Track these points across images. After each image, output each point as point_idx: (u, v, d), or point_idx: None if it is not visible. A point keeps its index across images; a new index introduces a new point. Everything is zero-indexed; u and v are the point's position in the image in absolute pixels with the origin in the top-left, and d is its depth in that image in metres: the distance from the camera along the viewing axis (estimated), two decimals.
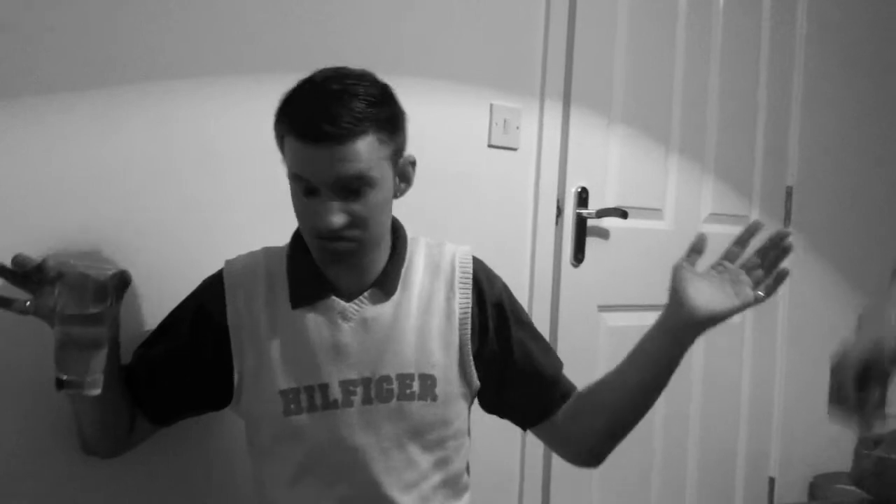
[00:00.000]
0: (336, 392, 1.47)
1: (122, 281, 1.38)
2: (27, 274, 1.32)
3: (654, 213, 2.56)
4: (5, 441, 1.54)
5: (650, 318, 2.55)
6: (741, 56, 2.74)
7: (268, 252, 1.56)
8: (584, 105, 2.36)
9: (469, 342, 1.53)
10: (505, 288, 1.61)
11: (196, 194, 1.72)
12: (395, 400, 1.48)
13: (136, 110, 1.65)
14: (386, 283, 1.51)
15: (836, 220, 3.04)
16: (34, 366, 1.47)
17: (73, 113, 1.58)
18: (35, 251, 1.48)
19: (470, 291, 1.54)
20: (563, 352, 2.32)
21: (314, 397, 1.47)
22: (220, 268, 1.55)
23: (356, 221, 1.40)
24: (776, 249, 1.48)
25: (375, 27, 1.96)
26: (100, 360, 1.30)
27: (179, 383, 1.53)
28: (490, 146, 2.19)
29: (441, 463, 1.53)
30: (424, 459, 1.51)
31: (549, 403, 1.58)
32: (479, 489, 1.66)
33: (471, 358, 1.53)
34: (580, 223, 2.37)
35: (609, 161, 2.44)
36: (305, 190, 1.39)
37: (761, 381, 2.89)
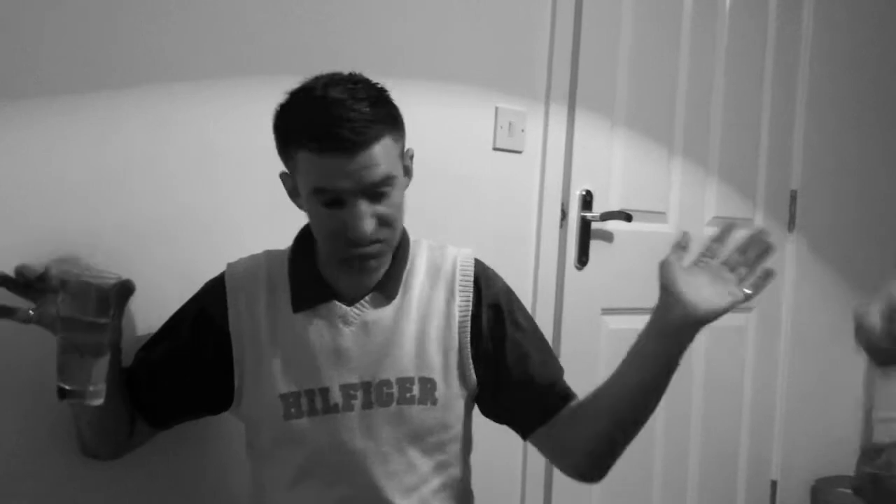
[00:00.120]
0: (337, 396, 1.47)
1: (124, 289, 1.37)
2: (29, 283, 1.32)
3: (658, 216, 2.56)
4: (5, 441, 1.54)
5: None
6: (745, 59, 2.73)
7: (269, 255, 1.56)
8: (588, 108, 2.35)
9: (468, 345, 1.52)
10: (505, 290, 1.59)
11: (196, 196, 1.72)
12: (394, 404, 1.48)
13: (135, 112, 1.64)
14: (387, 287, 1.50)
15: (840, 223, 3.03)
16: (34, 366, 1.47)
17: (73, 114, 1.58)
18: (35, 252, 1.48)
19: (470, 294, 1.53)
20: (566, 355, 2.34)
21: (315, 401, 1.47)
22: (221, 271, 1.55)
23: (384, 223, 1.40)
24: (757, 247, 1.45)
25: (378, 29, 1.95)
26: (102, 368, 1.30)
27: (180, 386, 1.53)
28: (495, 149, 2.19)
29: (441, 467, 1.53)
30: (424, 463, 1.51)
31: (545, 408, 1.55)
32: (482, 493, 1.66)
33: (470, 361, 1.52)
34: (584, 226, 2.37)
35: (613, 164, 2.44)
36: (330, 202, 1.38)
37: (763, 384, 2.89)
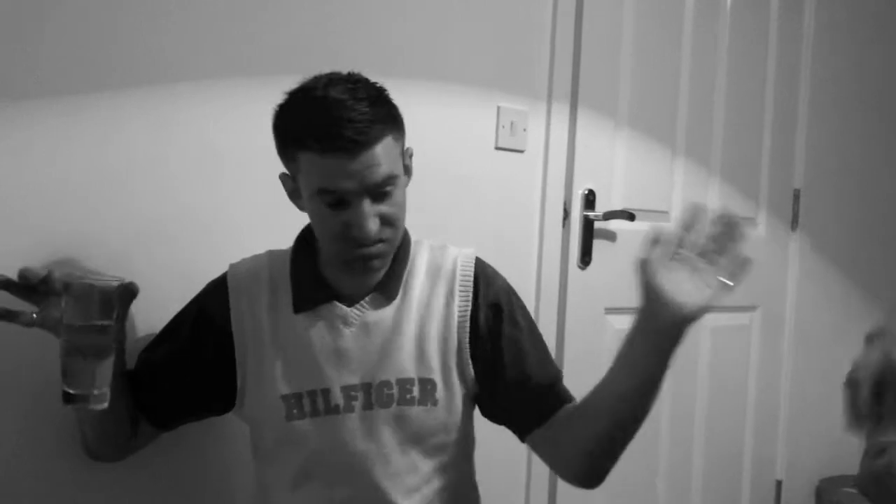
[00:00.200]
0: (338, 397, 1.47)
1: (128, 292, 1.38)
2: (32, 286, 1.32)
3: (661, 215, 2.55)
4: (7, 442, 1.54)
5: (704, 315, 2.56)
6: (747, 58, 2.73)
7: (272, 256, 1.56)
8: (590, 107, 2.35)
9: (467, 346, 1.51)
10: (506, 289, 1.57)
11: (197, 196, 1.72)
12: (395, 405, 1.48)
13: (137, 112, 1.64)
14: (387, 288, 1.50)
15: (843, 222, 3.03)
16: (36, 369, 1.47)
17: (74, 115, 1.58)
18: (37, 253, 1.48)
19: (469, 295, 1.52)
20: (569, 354, 2.33)
21: (316, 402, 1.47)
22: (223, 271, 1.56)
23: (387, 222, 1.40)
24: (727, 232, 1.35)
25: (379, 29, 1.95)
26: (106, 370, 1.30)
27: (182, 387, 1.53)
28: (497, 148, 2.19)
29: (443, 467, 1.53)
30: (426, 464, 1.51)
31: (540, 410, 1.52)
32: (487, 492, 1.65)
33: (469, 362, 1.51)
34: (587, 225, 2.36)
35: (616, 163, 2.44)
36: (333, 202, 1.38)
37: (767, 383, 2.89)
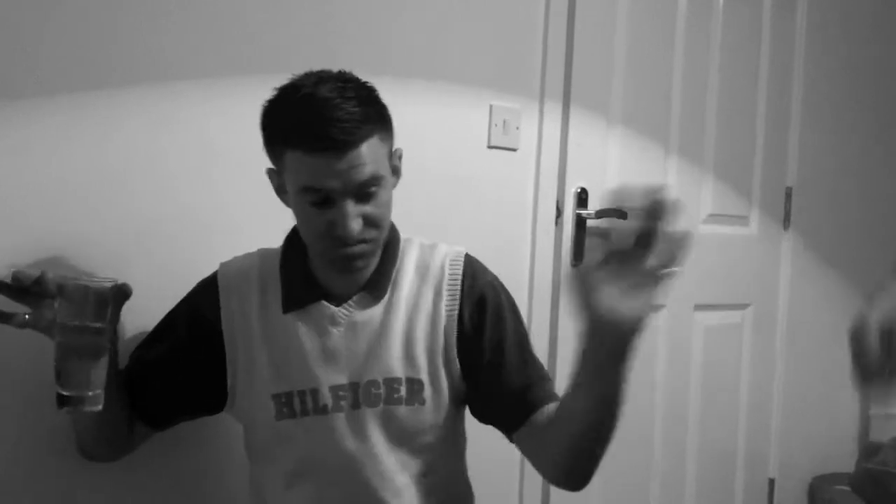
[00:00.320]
0: (326, 397, 1.47)
1: (121, 293, 1.36)
2: (26, 288, 1.32)
3: None
4: (2, 443, 1.54)
5: (649, 320, 2.56)
6: (740, 56, 2.74)
7: (262, 254, 1.56)
8: (583, 106, 2.36)
9: (454, 346, 1.50)
10: (493, 285, 1.55)
11: (196, 195, 1.72)
12: (382, 405, 1.48)
13: (136, 111, 1.65)
14: (376, 287, 1.50)
15: (835, 220, 3.04)
16: (31, 368, 1.46)
17: (73, 114, 1.58)
18: (35, 252, 1.48)
19: (457, 293, 1.52)
20: (563, 353, 2.34)
21: (305, 402, 1.48)
22: (214, 270, 1.56)
23: (371, 222, 1.40)
24: (655, 217, 1.11)
25: (375, 28, 1.96)
26: (100, 372, 1.29)
27: (175, 386, 1.52)
28: (490, 147, 2.19)
29: (433, 466, 1.52)
30: (416, 463, 1.50)
31: (521, 409, 1.47)
32: (480, 490, 1.66)
33: (456, 361, 1.51)
34: (580, 224, 2.36)
35: (608, 162, 2.44)
36: (317, 201, 1.37)
37: (760, 382, 2.89)
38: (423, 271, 1.53)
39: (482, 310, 1.52)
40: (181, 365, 1.52)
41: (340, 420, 1.47)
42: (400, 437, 1.49)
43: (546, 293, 2.33)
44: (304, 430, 1.48)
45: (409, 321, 1.50)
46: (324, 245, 1.42)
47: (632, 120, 2.47)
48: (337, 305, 1.49)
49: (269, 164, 1.45)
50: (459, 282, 1.52)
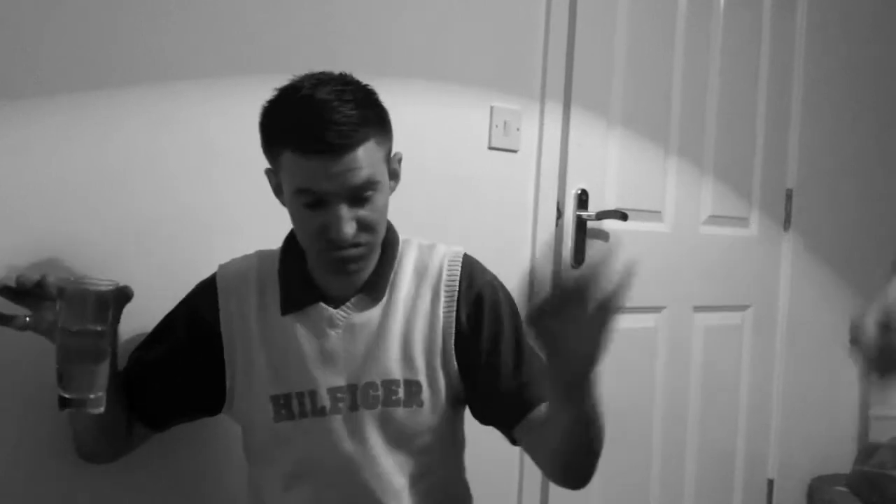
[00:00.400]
0: (324, 399, 1.47)
1: (122, 295, 1.36)
2: (27, 291, 1.32)
3: (654, 215, 2.56)
4: (2, 444, 1.55)
5: (649, 321, 2.58)
6: (740, 57, 2.74)
7: (261, 256, 1.56)
8: (584, 107, 2.36)
9: (452, 347, 1.50)
10: (491, 283, 1.54)
11: (196, 196, 1.72)
12: (380, 406, 1.47)
13: (136, 111, 1.65)
14: (374, 288, 1.49)
15: (835, 222, 3.04)
16: (31, 369, 1.47)
17: (73, 114, 1.58)
18: (35, 251, 1.49)
19: (455, 294, 1.51)
20: None
21: (304, 404, 1.47)
22: (213, 272, 1.56)
23: (365, 226, 1.39)
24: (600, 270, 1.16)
25: (376, 28, 1.96)
26: (102, 374, 1.29)
27: (174, 387, 1.52)
28: (490, 148, 2.19)
29: (431, 468, 1.52)
30: (414, 465, 1.50)
31: (518, 408, 1.48)
32: (479, 491, 1.66)
33: (454, 362, 1.50)
34: (580, 225, 2.36)
35: (609, 163, 2.44)
36: (312, 203, 1.37)
37: (760, 383, 2.89)
38: (421, 272, 1.53)
39: (479, 309, 1.51)
40: (180, 366, 1.52)
41: (338, 422, 1.47)
42: (398, 438, 1.48)
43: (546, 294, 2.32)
44: (303, 431, 1.48)
45: (406, 323, 1.49)
46: (318, 247, 1.42)
47: (632, 121, 2.47)
48: (335, 307, 1.49)
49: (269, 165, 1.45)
50: (457, 282, 1.52)
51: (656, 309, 2.59)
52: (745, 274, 2.83)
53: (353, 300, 1.49)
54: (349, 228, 1.36)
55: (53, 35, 1.56)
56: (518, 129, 2.23)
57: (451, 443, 1.57)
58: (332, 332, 1.48)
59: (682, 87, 2.59)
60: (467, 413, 1.58)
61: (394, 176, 1.47)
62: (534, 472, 2.31)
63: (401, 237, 1.55)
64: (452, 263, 1.53)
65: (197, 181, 1.72)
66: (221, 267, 1.56)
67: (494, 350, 1.50)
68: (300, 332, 1.48)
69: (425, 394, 1.49)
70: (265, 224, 1.60)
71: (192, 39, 1.71)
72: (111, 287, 1.30)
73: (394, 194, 1.48)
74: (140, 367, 1.54)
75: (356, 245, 1.40)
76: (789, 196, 2.91)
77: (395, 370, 1.48)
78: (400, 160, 1.49)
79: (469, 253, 1.57)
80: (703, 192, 2.67)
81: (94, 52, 1.60)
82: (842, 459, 2.98)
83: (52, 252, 1.55)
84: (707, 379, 2.72)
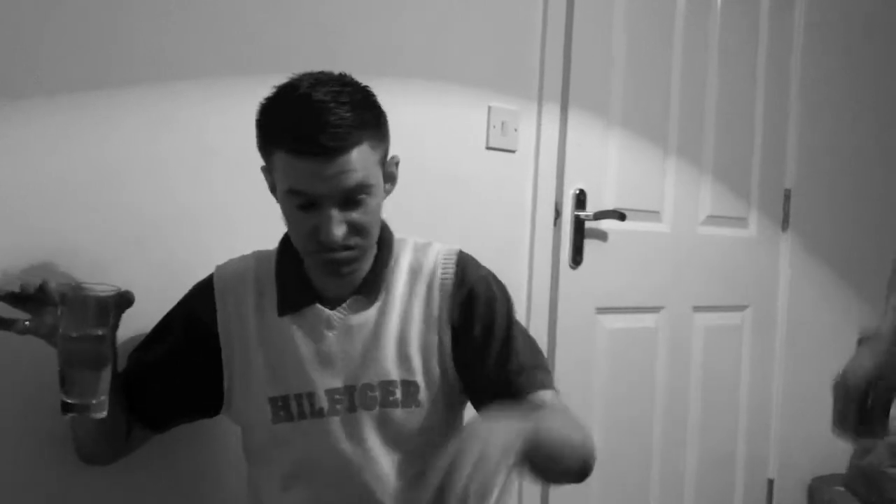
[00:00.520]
0: (322, 401, 1.47)
1: (123, 300, 1.35)
2: (28, 296, 1.32)
3: (652, 215, 2.56)
4: (2, 446, 1.55)
5: (648, 321, 2.59)
6: (738, 57, 2.74)
7: (258, 257, 1.56)
8: (581, 107, 2.36)
9: (448, 344, 1.49)
10: (485, 279, 1.53)
11: (195, 196, 1.72)
12: (378, 408, 1.47)
13: (135, 111, 1.65)
14: (369, 289, 1.49)
15: (834, 222, 3.04)
16: (30, 369, 1.47)
17: (73, 113, 1.58)
18: (34, 251, 1.49)
19: (448, 291, 1.50)
20: (561, 354, 2.34)
21: (303, 405, 1.47)
22: (210, 272, 1.55)
23: (357, 230, 1.38)
24: None
25: (374, 29, 1.96)
26: (104, 379, 1.29)
27: (173, 389, 1.52)
28: (488, 148, 2.19)
29: (429, 469, 1.51)
30: (412, 466, 1.49)
31: (512, 394, 1.45)
32: None
33: (451, 361, 1.50)
34: (578, 225, 2.37)
35: (607, 163, 2.44)
36: (303, 204, 1.37)
37: (759, 383, 2.90)
38: (416, 272, 1.52)
39: (471, 304, 1.50)
40: (178, 368, 1.52)
41: (336, 423, 1.47)
42: (396, 439, 1.48)
43: (544, 295, 2.33)
44: (301, 433, 1.48)
45: (402, 323, 1.49)
46: (309, 248, 1.41)
47: (630, 121, 2.48)
48: (331, 308, 1.48)
49: None
50: (451, 280, 1.51)
51: (655, 309, 2.60)
52: (744, 274, 2.83)
53: (349, 301, 1.48)
54: (339, 231, 1.36)
55: (53, 35, 1.56)
56: (516, 130, 2.23)
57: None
58: (329, 334, 1.48)
59: (681, 87, 2.59)
60: (466, 412, 1.58)
61: (390, 179, 1.47)
62: None
63: (396, 236, 1.55)
64: (447, 261, 1.52)
65: (196, 181, 1.72)
66: (219, 268, 1.55)
67: (486, 343, 1.49)
68: (297, 333, 1.48)
69: (423, 394, 1.48)
70: (264, 224, 1.60)
71: (192, 39, 1.71)
72: (112, 292, 1.30)
73: (391, 194, 1.48)
74: (139, 369, 1.53)
75: (348, 248, 1.39)
76: (788, 196, 2.91)
77: (392, 371, 1.47)
78: (397, 163, 1.48)
79: (465, 251, 1.56)
80: (701, 192, 2.68)
81: (94, 51, 1.60)
82: (842, 459, 2.96)
83: (51, 251, 1.55)
84: (707, 379, 2.72)
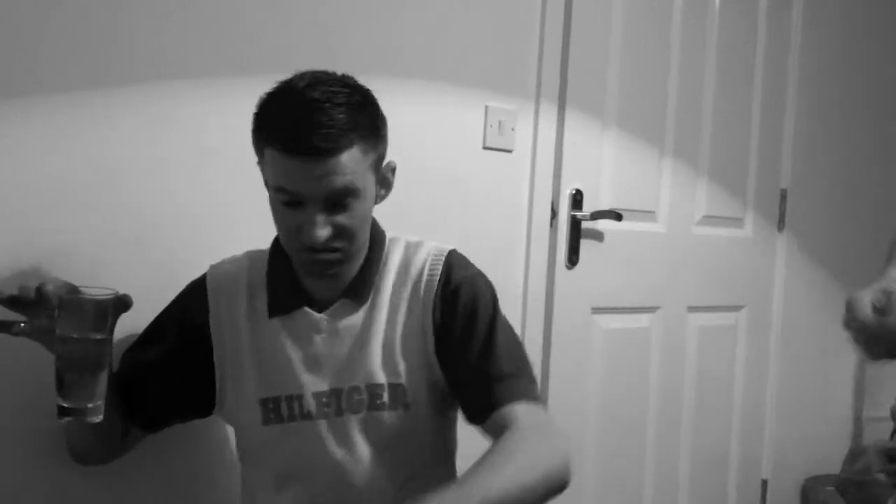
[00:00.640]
0: (310, 404, 1.46)
1: (121, 304, 1.34)
2: (26, 300, 1.31)
3: (648, 215, 2.56)
4: None
5: (644, 321, 2.59)
6: (735, 57, 2.74)
7: (252, 257, 1.55)
8: (578, 107, 2.36)
9: (433, 346, 1.47)
10: (471, 280, 1.50)
11: (195, 195, 1.72)
12: (365, 411, 1.46)
13: (135, 110, 1.65)
14: (358, 292, 1.48)
15: (830, 222, 3.04)
16: (29, 371, 1.46)
17: (72, 113, 1.58)
18: (32, 250, 1.48)
19: (433, 292, 1.48)
20: (556, 354, 2.34)
21: (293, 407, 1.47)
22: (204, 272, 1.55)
23: (341, 233, 1.37)
24: None
25: (373, 29, 1.96)
26: (101, 383, 1.28)
27: (167, 389, 1.52)
28: (485, 148, 2.19)
29: (420, 472, 1.50)
30: (401, 469, 1.49)
31: (488, 401, 1.42)
32: None
33: (437, 363, 1.48)
34: (574, 225, 2.37)
35: (603, 163, 2.45)
36: (289, 202, 1.36)
37: (754, 383, 2.90)
38: (404, 272, 1.51)
39: (454, 304, 1.47)
40: (172, 368, 1.51)
41: (324, 426, 1.46)
42: (385, 442, 1.47)
43: (540, 295, 2.33)
44: (292, 434, 1.47)
45: (390, 325, 1.48)
46: (292, 245, 1.41)
47: (627, 121, 2.48)
48: (320, 311, 1.48)
49: None
50: (437, 280, 1.48)
51: (650, 309, 2.60)
52: (740, 274, 2.83)
53: (337, 304, 1.48)
54: (322, 233, 1.35)
55: (53, 35, 1.55)
56: (513, 129, 2.23)
57: (440, 446, 1.56)
58: (317, 338, 1.47)
59: (677, 88, 2.59)
60: (459, 416, 1.57)
61: (384, 185, 1.46)
62: None
63: (389, 235, 1.54)
64: (434, 262, 1.50)
65: (196, 181, 1.72)
66: (212, 268, 1.55)
67: (466, 341, 1.46)
68: (286, 336, 1.48)
69: (410, 397, 1.47)
70: (263, 224, 1.60)
71: (192, 39, 1.71)
72: (110, 296, 1.29)
73: (390, 193, 1.48)
74: (132, 369, 1.52)
75: (332, 250, 1.38)
76: (784, 196, 2.91)
77: (379, 374, 1.47)
78: (393, 170, 1.47)
79: (458, 250, 1.54)
80: (697, 192, 2.68)
81: (94, 51, 1.60)
82: (836, 460, 2.97)
83: (50, 251, 1.54)
84: (701, 379, 2.72)
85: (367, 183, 1.39)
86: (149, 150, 1.66)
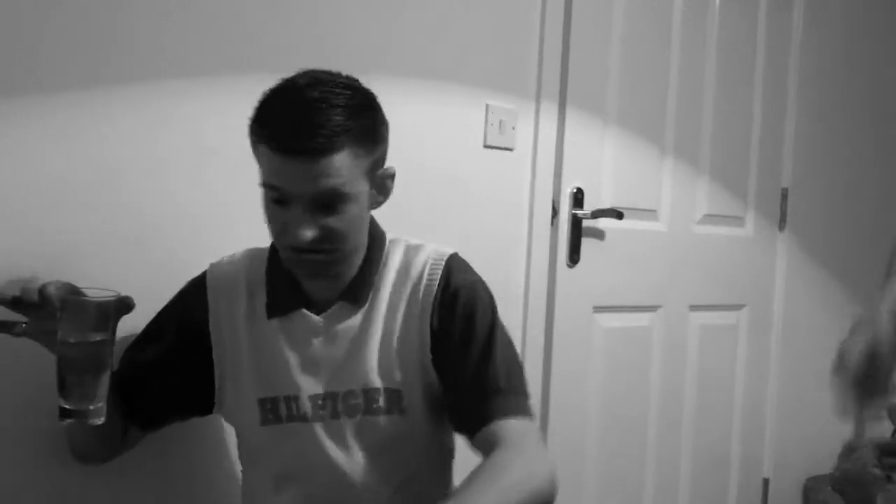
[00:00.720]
0: (306, 406, 1.46)
1: (123, 306, 1.33)
2: (28, 302, 1.30)
3: (650, 213, 2.56)
4: None
5: (645, 320, 2.59)
6: (736, 56, 2.74)
7: (251, 256, 1.55)
8: (579, 106, 2.36)
9: (429, 352, 1.47)
10: (470, 285, 1.49)
11: (194, 194, 1.72)
12: (361, 415, 1.46)
13: (135, 109, 1.64)
14: (356, 294, 1.47)
15: (831, 221, 3.04)
16: (29, 370, 1.46)
17: (72, 112, 1.58)
18: (31, 250, 1.48)
19: (432, 297, 1.47)
20: (557, 353, 2.34)
21: (291, 407, 1.47)
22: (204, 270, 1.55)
23: (328, 235, 1.36)
24: None
25: (373, 28, 1.96)
26: (103, 384, 1.28)
27: (166, 387, 1.51)
28: (486, 147, 2.19)
29: (416, 477, 1.50)
30: (397, 474, 1.48)
31: (480, 415, 1.41)
32: None
33: (433, 367, 1.47)
34: (575, 224, 2.37)
35: (604, 162, 2.44)
36: (277, 199, 1.35)
37: (755, 382, 2.90)
38: (403, 276, 1.50)
39: (452, 310, 1.46)
40: (172, 366, 1.51)
41: (320, 429, 1.46)
42: (381, 446, 1.47)
43: (541, 293, 2.33)
44: (290, 435, 1.47)
45: (387, 330, 1.47)
46: (280, 244, 1.41)
47: (628, 120, 2.48)
48: (318, 313, 1.47)
49: None
50: (437, 284, 1.47)
51: (651, 308, 2.60)
52: (741, 273, 2.83)
53: (335, 306, 1.47)
54: (307, 233, 1.34)
55: (53, 34, 1.55)
56: (514, 128, 2.23)
57: (437, 450, 1.56)
58: (315, 340, 1.47)
59: (678, 86, 2.59)
60: None
61: (381, 191, 1.45)
62: None
63: (389, 236, 1.53)
64: (435, 265, 1.49)
65: (195, 180, 1.72)
66: (212, 266, 1.55)
67: (463, 350, 1.45)
68: (284, 337, 1.47)
69: (406, 402, 1.47)
70: (263, 224, 1.60)
71: (191, 38, 1.71)
72: (112, 297, 1.28)
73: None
74: (132, 368, 1.52)
75: (318, 251, 1.37)
76: (785, 195, 2.91)
77: (376, 378, 1.46)
78: (392, 176, 1.46)
79: (461, 253, 1.53)
80: (698, 191, 2.68)
81: (93, 50, 1.59)
82: (837, 459, 2.98)
83: (50, 251, 1.54)
84: (702, 378, 2.72)
85: (360, 187, 1.37)
86: (148, 149, 1.66)
